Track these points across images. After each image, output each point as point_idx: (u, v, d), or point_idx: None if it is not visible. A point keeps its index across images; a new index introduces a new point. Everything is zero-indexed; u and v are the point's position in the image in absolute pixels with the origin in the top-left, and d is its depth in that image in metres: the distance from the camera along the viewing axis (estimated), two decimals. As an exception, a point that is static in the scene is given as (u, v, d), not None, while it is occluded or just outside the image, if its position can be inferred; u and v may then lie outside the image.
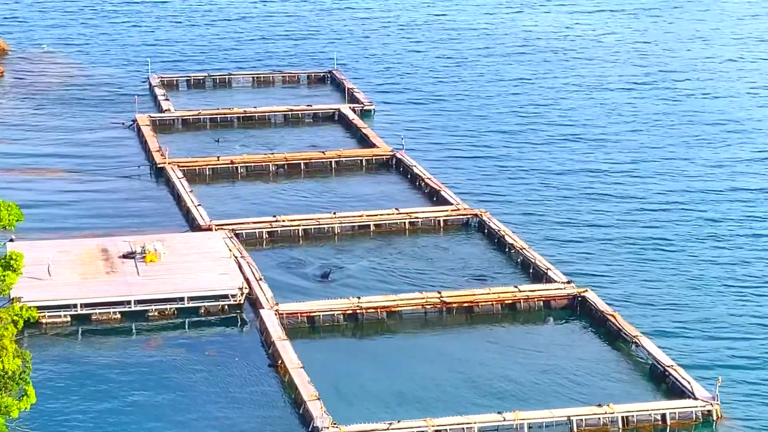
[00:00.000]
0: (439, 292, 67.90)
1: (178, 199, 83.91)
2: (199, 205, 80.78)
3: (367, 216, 79.42)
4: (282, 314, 65.26)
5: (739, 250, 76.14)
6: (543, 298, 67.81)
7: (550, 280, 69.67)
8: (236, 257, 71.65)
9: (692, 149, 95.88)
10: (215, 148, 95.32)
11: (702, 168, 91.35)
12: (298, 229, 77.89)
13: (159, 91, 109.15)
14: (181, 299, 66.94)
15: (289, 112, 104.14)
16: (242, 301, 67.39)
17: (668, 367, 59.54)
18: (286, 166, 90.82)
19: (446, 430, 54.88)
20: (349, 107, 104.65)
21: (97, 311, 66.07)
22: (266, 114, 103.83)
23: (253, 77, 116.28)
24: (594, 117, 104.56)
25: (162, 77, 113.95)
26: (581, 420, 55.51)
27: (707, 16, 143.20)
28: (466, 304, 67.11)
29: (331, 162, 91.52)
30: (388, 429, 54.58)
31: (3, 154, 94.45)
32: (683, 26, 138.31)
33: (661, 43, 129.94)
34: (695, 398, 56.91)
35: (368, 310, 66.24)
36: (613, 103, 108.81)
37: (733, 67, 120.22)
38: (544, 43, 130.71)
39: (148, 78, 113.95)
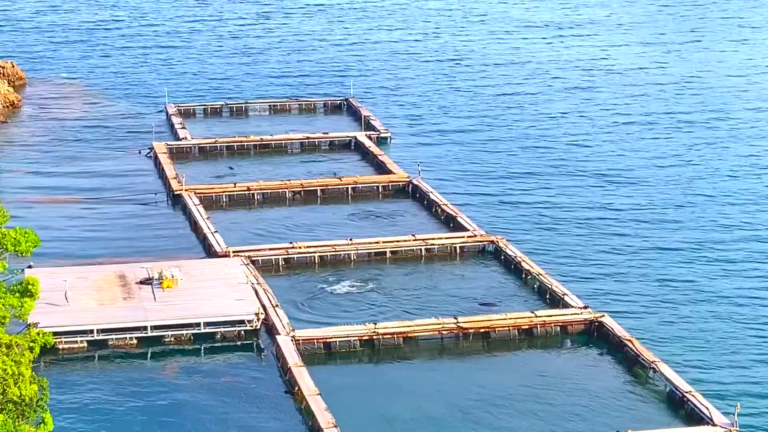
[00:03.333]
0: (456, 318, 67.78)
1: (194, 225, 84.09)
2: (216, 231, 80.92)
3: (383, 243, 79.39)
4: (298, 340, 65.18)
5: (757, 277, 75.77)
6: (560, 324, 67.63)
7: (566, 306, 69.49)
8: (252, 283, 71.64)
9: (710, 179, 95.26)
10: (232, 175, 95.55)
11: (722, 198, 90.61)
12: (314, 256, 77.90)
13: (176, 120, 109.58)
14: (198, 325, 66.97)
15: (306, 140, 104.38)
16: (258, 327, 67.36)
17: (686, 392, 59.21)
18: (302, 193, 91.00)
19: (463, 456, 54.69)
20: (366, 135, 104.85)
21: (114, 337, 66.14)
22: (283, 142, 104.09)
23: (269, 105, 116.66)
24: (611, 147, 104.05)
25: (179, 106, 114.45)
26: (599, 446, 55.33)
27: (738, 51, 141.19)
28: (482, 330, 66.98)
29: (347, 188, 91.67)
30: (404, 455, 54.39)
31: (21, 182, 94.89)
32: (710, 60, 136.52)
33: (685, 78, 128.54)
34: (714, 424, 56.53)
35: (385, 336, 66.12)
36: (631, 134, 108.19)
37: (763, 104, 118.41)
38: (561, 73, 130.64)
39: (165, 107, 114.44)
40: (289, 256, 77.80)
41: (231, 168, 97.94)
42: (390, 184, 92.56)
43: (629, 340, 64.74)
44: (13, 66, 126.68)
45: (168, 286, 70.30)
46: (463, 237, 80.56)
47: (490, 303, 70.94)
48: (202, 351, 66.10)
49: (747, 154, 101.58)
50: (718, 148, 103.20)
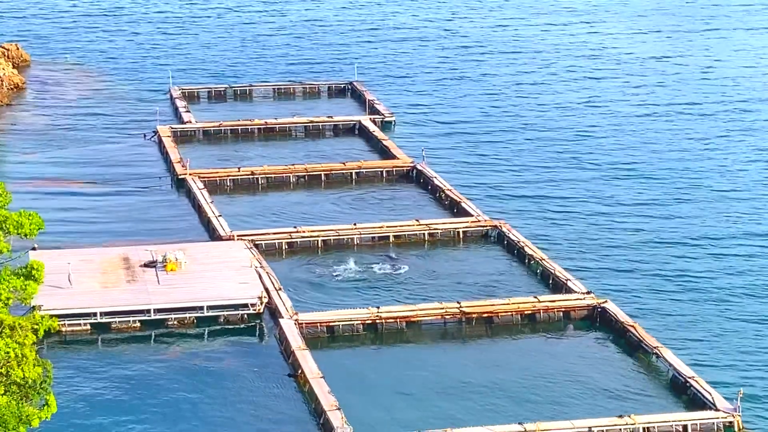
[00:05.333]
0: (459, 303, 67.80)
1: (198, 209, 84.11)
2: (220, 215, 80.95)
3: (387, 227, 79.42)
4: (301, 324, 65.28)
5: (761, 264, 75.71)
6: (562, 309, 67.64)
7: (569, 291, 69.50)
8: (256, 267, 71.69)
9: (716, 169, 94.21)
10: (236, 159, 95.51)
11: (728, 187, 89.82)
12: (317, 240, 77.93)
13: (180, 103, 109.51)
14: (201, 308, 67.06)
15: (310, 124, 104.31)
16: (262, 311, 67.45)
17: (689, 378, 59.26)
18: (306, 177, 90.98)
19: (466, 440, 54.80)
20: (370, 119, 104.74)
21: (117, 320, 66.24)
22: (287, 126, 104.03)
23: (273, 89, 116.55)
24: (616, 137, 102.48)
25: (183, 89, 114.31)
26: (602, 431, 55.26)
27: (754, 40, 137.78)
28: (485, 315, 67.00)
29: (351, 173, 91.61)
30: (407, 439, 54.53)
31: (25, 165, 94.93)
32: (723, 49, 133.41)
33: (696, 68, 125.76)
34: (716, 409, 56.60)
35: (388, 320, 66.19)
36: (638, 124, 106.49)
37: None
38: (570, 61, 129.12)
39: (169, 89, 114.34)
40: (293, 240, 77.86)
41: (236, 152, 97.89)
42: (394, 169, 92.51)
43: (632, 326, 64.77)
44: (18, 48, 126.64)
45: (172, 270, 70.38)
46: (467, 222, 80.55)
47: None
48: (206, 334, 66.21)
49: (755, 145, 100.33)
50: (726, 139, 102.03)
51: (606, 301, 67.76)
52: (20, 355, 49.93)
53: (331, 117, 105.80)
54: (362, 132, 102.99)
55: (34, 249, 71.28)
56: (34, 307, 62.45)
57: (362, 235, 78.48)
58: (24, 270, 56.40)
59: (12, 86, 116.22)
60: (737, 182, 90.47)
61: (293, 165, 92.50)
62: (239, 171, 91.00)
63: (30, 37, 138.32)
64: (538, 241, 77.62)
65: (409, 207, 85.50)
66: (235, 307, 67.42)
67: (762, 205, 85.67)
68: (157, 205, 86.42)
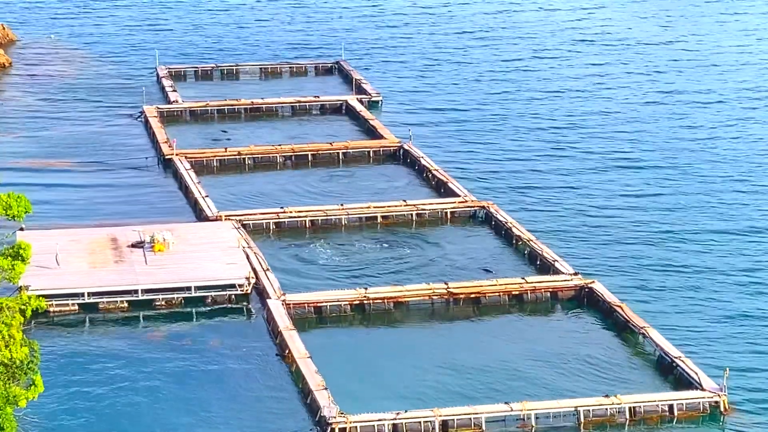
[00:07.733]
0: (446, 283, 67.91)
1: (185, 190, 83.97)
2: (207, 196, 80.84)
3: (374, 207, 79.45)
4: (289, 304, 65.33)
5: (747, 242, 76.04)
6: (550, 289, 67.81)
7: (557, 272, 69.65)
8: (243, 248, 71.67)
9: (703, 155, 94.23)
10: (226, 139, 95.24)
11: (715, 169, 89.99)
12: (305, 220, 77.93)
13: (167, 82, 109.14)
14: (188, 288, 67.04)
15: (297, 104, 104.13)
16: (249, 291, 67.47)
17: (676, 358, 59.53)
18: (293, 158, 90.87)
19: (454, 420, 54.92)
20: (357, 98, 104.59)
21: (105, 300, 66.21)
22: (274, 105, 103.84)
23: (260, 68, 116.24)
24: (605, 120, 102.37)
25: (170, 68, 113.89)
26: (588, 410, 55.58)
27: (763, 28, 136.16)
28: (473, 295, 67.15)
29: (338, 153, 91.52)
30: (395, 419, 54.68)
31: (11, 145, 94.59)
32: (726, 37, 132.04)
33: (694, 54, 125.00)
34: (702, 389, 56.91)
35: (375, 301, 66.29)
36: (621, 105, 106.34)
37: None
38: (562, 43, 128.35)
39: (156, 69, 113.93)
40: (280, 220, 77.86)
41: (224, 131, 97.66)
42: (381, 149, 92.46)
43: (619, 306, 64.99)
44: (4, 28, 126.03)
45: (159, 250, 70.34)
46: (454, 202, 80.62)
47: (488, 270, 71.04)
48: (193, 315, 66.21)
49: (745, 133, 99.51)
50: (717, 126, 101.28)
51: (593, 282, 67.95)
52: (7, 336, 50.01)
53: (318, 97, 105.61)
54: (349, 112, 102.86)
55: (21, 230, 71.16)
56: (21, 287, 62.38)
57: (350, 216, 78.51)
58: (11, 250, 56.37)
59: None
60: (725, 169, 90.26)
61: (280, 145, 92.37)
62: (226, 151, 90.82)
63: (16, 16, 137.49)
64: (525, 221, 77.70)
65: (397, 187, 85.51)
66: (223, 287, 67.43)
67: (748, 191, 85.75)
68: (144, 186, 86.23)
